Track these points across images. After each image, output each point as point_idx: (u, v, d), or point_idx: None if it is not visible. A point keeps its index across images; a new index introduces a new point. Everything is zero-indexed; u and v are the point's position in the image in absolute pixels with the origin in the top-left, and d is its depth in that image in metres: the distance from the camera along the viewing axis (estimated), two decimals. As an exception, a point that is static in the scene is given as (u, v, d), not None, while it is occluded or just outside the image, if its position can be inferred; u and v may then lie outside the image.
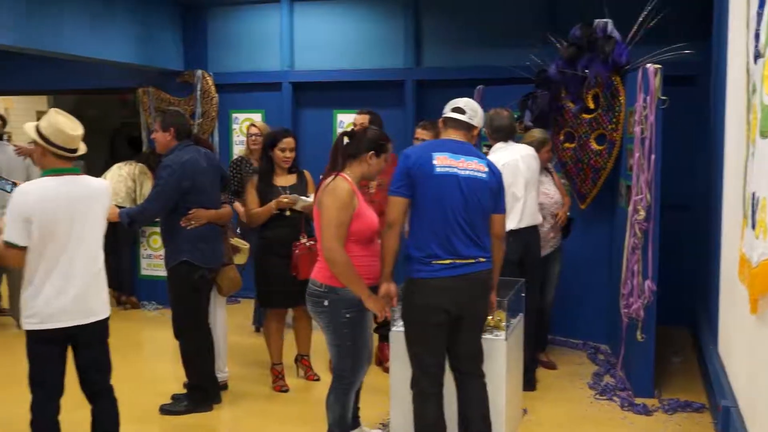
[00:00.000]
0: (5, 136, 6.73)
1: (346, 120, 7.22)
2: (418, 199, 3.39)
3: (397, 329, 3.84)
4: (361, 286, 3.48)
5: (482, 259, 3.46)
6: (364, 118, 5.18)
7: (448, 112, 3.56)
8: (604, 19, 5.18)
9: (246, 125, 7.47)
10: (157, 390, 4.94)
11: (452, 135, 3.53)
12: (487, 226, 3.51)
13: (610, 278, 5.48)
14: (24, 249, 3.26)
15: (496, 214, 3.55)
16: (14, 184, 3.82)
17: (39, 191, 3.28)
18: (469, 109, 3.53)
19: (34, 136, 3.32)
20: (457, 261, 3.37)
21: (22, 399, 3.44)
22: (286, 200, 4.69)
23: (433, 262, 3.36)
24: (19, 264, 3.30)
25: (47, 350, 3.37)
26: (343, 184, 3.53)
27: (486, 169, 3.46)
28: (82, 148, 3.45)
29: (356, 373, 3.67)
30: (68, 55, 6.23)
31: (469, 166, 3.41)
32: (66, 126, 3.34)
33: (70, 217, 3.32)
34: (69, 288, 3.33)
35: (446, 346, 3.50)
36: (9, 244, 3.25)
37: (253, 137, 5.92)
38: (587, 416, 4.56)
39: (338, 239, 3.46)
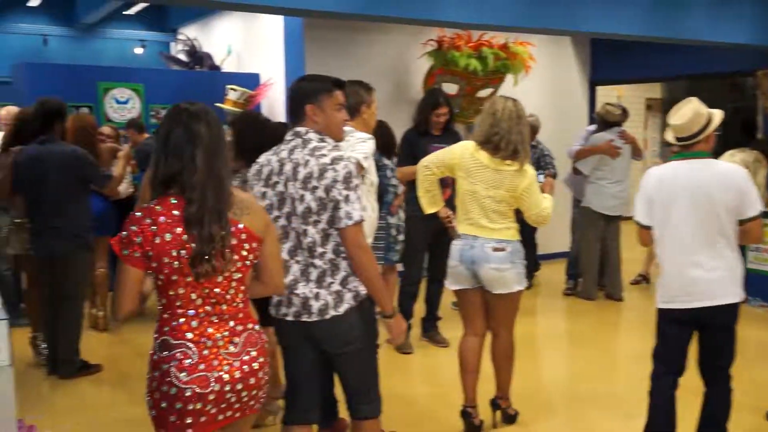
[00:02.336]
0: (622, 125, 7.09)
1: None
2: None
3: None
4: None
5: None
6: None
7: None
8: None
9: None
10: (761, 395, 4.64)
11: None
12: None
13: None
14: (649, 228, 3.49)
15: None
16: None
17: (659, 173, 3.47)
18: None
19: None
20: None
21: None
22: None
23: None
24: (646, 243, 3.58)
25: (669, 328, 3.51)
26: None
27: None
28: (709, 129, 3.41)
29: None
30: (688, 41, 6.23)
31: None
32: (669, 117, 3.46)
33: (685, 199, 3.36)
34: (685, 269, 3.38)
35: None
36: (636, 223, 3.55)
37: None
38: None
39: None
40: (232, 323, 2.29)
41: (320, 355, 2.91)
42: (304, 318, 2.80)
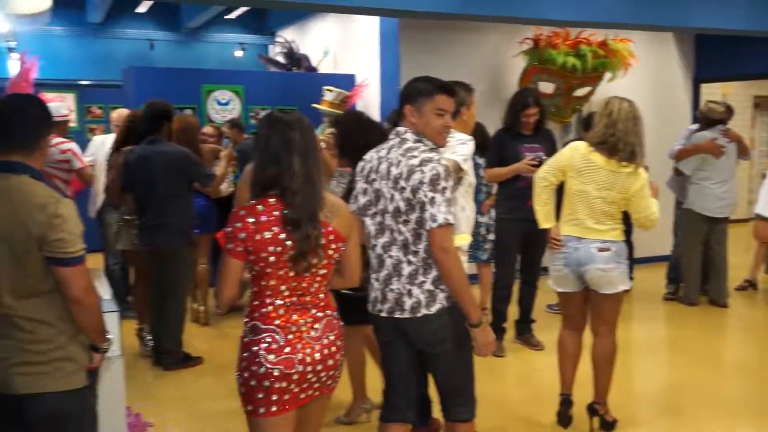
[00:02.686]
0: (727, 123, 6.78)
1: None
2: None
3: None
4: None
5: None
6: None
7: None
8: None
9: None
10: None
11: None
12: None
13: None
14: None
15: None
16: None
17: None
18: None
19: None
20: None
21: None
22: None
23: None
24: (763, 237, 3.54)
25: None
26: None
27: None
28: None
29: None
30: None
31: None
32: None
33: None
34: None
35: None
36: (756, 215, 3.44)
37: None
38: None
39: None
40: (313, 311, 2.52)
41: (417, 354, 2.92)
42: (397, 314, 2.82)
